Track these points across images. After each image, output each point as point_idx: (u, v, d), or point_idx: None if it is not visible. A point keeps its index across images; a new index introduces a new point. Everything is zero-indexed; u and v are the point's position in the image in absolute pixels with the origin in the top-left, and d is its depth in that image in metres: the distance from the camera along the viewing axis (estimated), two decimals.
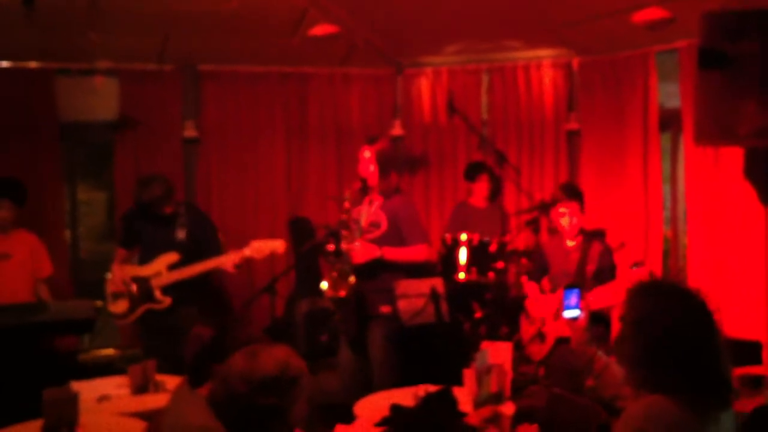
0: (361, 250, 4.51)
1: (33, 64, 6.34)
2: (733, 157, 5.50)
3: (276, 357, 2.44)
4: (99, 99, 6.62)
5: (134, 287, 5.19)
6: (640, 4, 4.80)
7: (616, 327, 4.96)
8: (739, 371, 3.94)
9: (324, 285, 4.55)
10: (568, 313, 3.35)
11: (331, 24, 5.16)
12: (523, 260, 5.94)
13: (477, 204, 6.30)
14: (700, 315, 2.29)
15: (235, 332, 3.14)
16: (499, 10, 5.44)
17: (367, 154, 4.69)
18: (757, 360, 5.03)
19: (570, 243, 5.14)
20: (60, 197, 6.57)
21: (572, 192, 5.18)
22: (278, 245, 5.18)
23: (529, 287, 5.26)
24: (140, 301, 5.19)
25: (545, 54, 6.75)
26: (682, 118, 5.99)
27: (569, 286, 3.42)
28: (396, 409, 3.19)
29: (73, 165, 6.92)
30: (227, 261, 5.12)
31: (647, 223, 6.28)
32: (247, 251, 5.12)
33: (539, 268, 5.30)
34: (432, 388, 3.44)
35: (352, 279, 4.44)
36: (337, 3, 5.08)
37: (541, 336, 4.88)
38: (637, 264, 4.67)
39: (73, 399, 3.31)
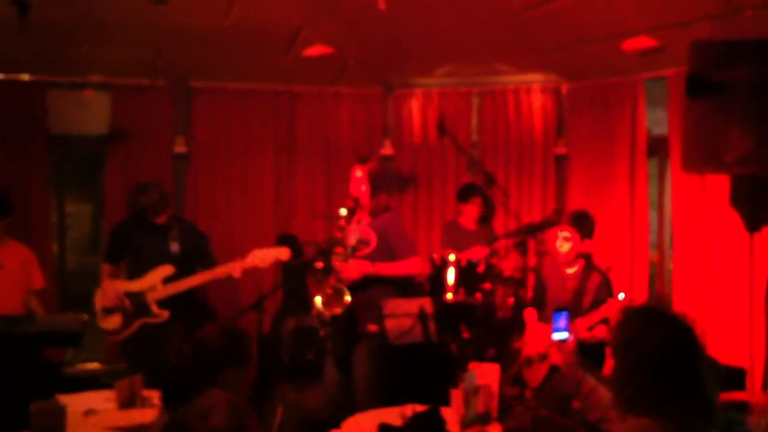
0: (354, 268, 4.52)
1: (25, 77, 6.35)
2: (720, 183, 5.56)
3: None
4: (90, 112, 6.64)
5: (127, 302, 5.16)
6: (630, 32, 4.87)
7: (609, 364, 4.93)
8: (723, 397, 3.97)
9: (318, 301, 4.53)
10: (557, 336, 3.37)
11: (325, 44, 5.20)
12: (510, 284, 5.95)
13: (467, 225, 6.33)
14: (687, 338, 2.31)
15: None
16: (490, 35, 5.50)
17: (358, 173, 4.71)
18: (740, 386, 5.07)
19: (569, 271, 5.05)
20: (48, 209, 6.56)
21: (573, 219, 5.05)
22: (282, 252, 5.13)
23: (528, 314, 5.24)
24: (135, 316, 5.14)
25: (535, 79, 6.83)
26: (669, 145, 6.06)
27: (558, 309, 3.44)
28: (384, 428, 3.20)
29: (61, 177, 6.91)
30: (233, 269, 5.07)
31: (633, 247, 6.33)
32: (250, 260, 5.06)
33: (538, 297, 5.27)
34: (419, 408, 3.45)
35: (347, 298, 4.43)
36: (331, 23, 5.12)
37: (531, 364, 4.84)
38: (608, 269, 4.68)
39: (61, 412, 3.30)
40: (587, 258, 5.09)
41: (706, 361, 2.28)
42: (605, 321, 4.72)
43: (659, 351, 2.26)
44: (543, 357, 4.76)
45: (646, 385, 2.26)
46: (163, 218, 5.21)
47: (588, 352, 4.61)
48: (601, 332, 4.75)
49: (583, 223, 5.03)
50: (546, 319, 5.02)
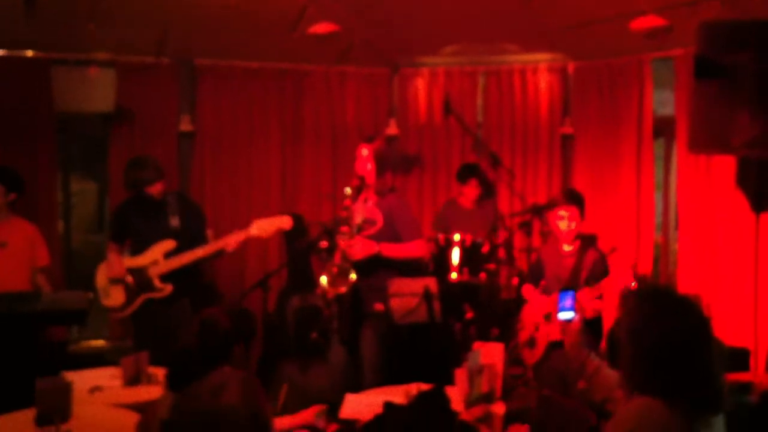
0: (359, 247, 4.52)
1: (29, 53, 6.32)
2: (725, 165, 5.56)
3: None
4: (95, 90, 6.61)
5: (130, 278, 5.16)
6: (638, 12, 4.83)
7: (606, 332, 5.00)
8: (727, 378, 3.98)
9: (323, 280, 4.53)
10: (563, 315, 3.38)
11: (330, 22, 5.16)
12: (515, 264, 5.97)
13: (465, 204, 6.33)
14: (695, 321, 2.32)
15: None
16: (497, 14, 5.46)
17: (364, 152, 4.70)
18: (744, 367, 5.08)
19: (566, 248, 5.12)
20: (54, 188, 6.55)
21: (574, 197, 5.16)
22: (284, 221, 5.11)
23: (527, 290, 5.28)
24: (138, 292, 5.14)
25: (541, 58, 6.80)
26: (676, 126, 6.03)
27: (564, 289, 3.45)
28: (389, 406, 3.21)
29: (67, 155, 6.89)
30: (231, 241, 5.07)
31: (638, 228, 6.33)
32: (253, 230, 5.04)
33: (535, 275, 5.30)
34: (424, 387, 3.46)
35: (353, 276, 4.43)
36: (336, 2, 5.09)
37: (531, 342, 4.89)
38: (612, 250, 4.71)
39: (67, 389, 3.31)
40: (584, 236, 5.15)
41: (714, 344, 2.29)
42: (600, 297, 4.81)
43: (668, 335, 2.26)
44: (532, 342, 4.80)
45: (654, 367, 2.27)
46: (158, 188, 5.18)
47: (587, 325, 4.69)
48: (600, 306, 4.83)
49: (580, 201, 5.13)
50: (545, 294, 5.08)
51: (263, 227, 5.05)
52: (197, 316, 3.08)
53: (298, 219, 6.57)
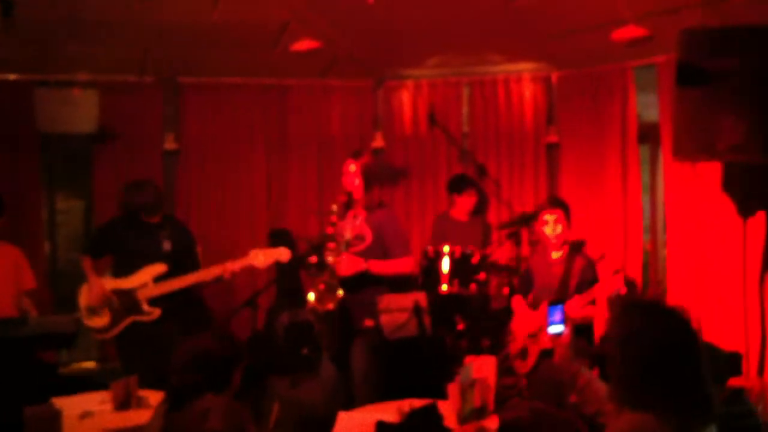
0: (347, 263, 4.51)
1: (12, 76, 6.30)
2: (712, 169, 5.57)
3: None
4: (78, 111, 6.58)
5: (116, 300, 5.13)
6: (620, 21, 4.85)
7: (597, 338, 5.01)
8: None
9: (311, 297, 4.52)
10: (553, 329, 3.38)
11: (313, 38, 5.17)
12: (505, 274, 5.96)
13: (458, 217, 6.31)
14: (685, 333, 2.32)
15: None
16: (480, 24, 5.47)
17: (352, 167, 4.69)
18: (737, 371, 5.08)
19: (555, 255, 5.15)
20: (38, 209, 6.52)
21: (557, 201, 5.23)
22: (282, 253, 5.11)
23: (516, 302, 5.28)
24: (124, 314, 5.11)
25: (525, 68, 6.81)
26: (660, 132, 6.05)
27: (553, 303, 3.45)
28: (381, 426, 3.19)
29: (51, 175, 6.86)
30: (227, 269, 5.05)
31: (626, 235, 6.34)
32: (249, 260, 5.04)
33: (525, 284, 5.32)
34: (417, 403, 3.45)
35: (340, 293, 4.43)
36: (319, 16, 5.09)
37: (523, 353, 4.90)
38: (617, 271, 4.74)
39: (56, 416, 3.29)
40: (572, 243, 5.18)
41: (703, 355, 2.29)
42: (593, 302, 4.86)
43: (658, 346, 2.26)
44: (533, 336, 4.80)
45: (644, 381, 2.27)
46: (157, 218, 5.18)
47: (578, 331, 4.70)
48: (589, 311, 4.90)
49: (565, 206, 5.19)
50: (534, 305, 5.09)
51: (261, 258, 5.05)
52: (186, 343, 3.06)
53: (285, 235, 6.57)
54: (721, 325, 5.55)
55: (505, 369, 5.09)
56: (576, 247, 5.17)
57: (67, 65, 6.24)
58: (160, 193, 5.25)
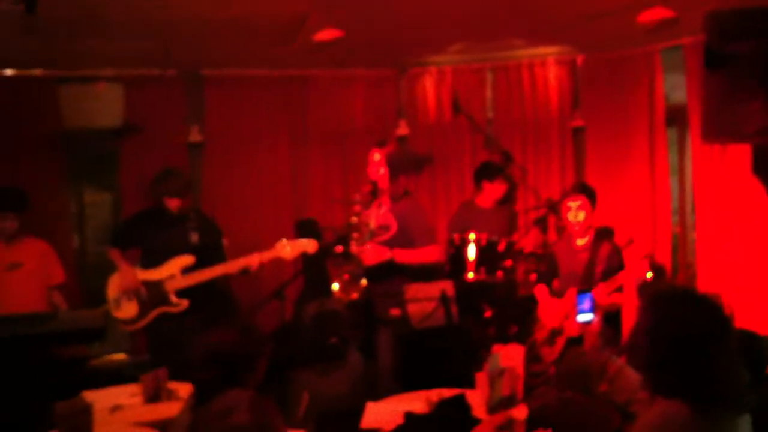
0: (371, 253, 4.50)
1: (36, 72, 6.34)
2: (741, 152, 5.50)
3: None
4: (103, 105, 6.63)
5: (144, 291, 5.16)
6: (643, 4, 4.78)
7: (626, 327, 4.96)
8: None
9: (335, 287, 4.53)
10: (582, 317, 3.35)
11: (334, 28, 5.14)
12: (532, 260, 5.91)
13: (483, 204, 6.24)
14: (715, 321, 2.29)
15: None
16: (502, 9, 5.42)
17: (376, 157, 4.68)
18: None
19: (580, 242, 5.11)
20: (65, 203, 6.58)
21: (582, 187, 5.19)
22: (310, 245, 5.12)
23: (539, 291, 5.25)
24: (152, 306, 5.15)
25: (549, 51, 6.74)
26: (688, 114, 5.98)
27: (582, 291, 3.41)
28: (410, 416, 3.19)
29: (78, 169, 6.91)
30: (255, 261, 5.07)
31: (655, 219, 6.28)
32: (277, 251, 5.06)
33: (550, 271, 5.28)
34: (446, 393, 3.44)
35: (363, 282, 4.42)
36: (339, 6, 5.07)
37: (550, 340, 4.87)
38: (646, 256, 4.69)
39: (86, 410, 3.31)
40: (598, 229, 5.14)
41: (735, 344, 2.26)
42: (619, 288, 4.81)
43: (689, 336, 2.24)
44: (558, 332, 4.77)
45: (675, 370, 2.25)
46: (181, 202, 5.19)
47: (606, 319, 4.67)
48: (617, 299, 4.84)
49: (590, 191, 5.14)
50: (559, 293, 5.06)
51: (288, 249, 5.06)
52: (206, 337, 3.06)
53: (311, 224, 6.57)
54: (751, 308, 5.49)
55: (532, 357, 5.06)
56: (602, 234, 5.11)
57: (90, 61, 6.27)
58: (188, 180, 5.28)
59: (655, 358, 2.31)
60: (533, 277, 5.88)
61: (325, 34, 5.13)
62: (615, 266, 4.89)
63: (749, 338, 3.29)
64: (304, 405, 5.17)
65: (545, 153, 6.86)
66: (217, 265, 5.12)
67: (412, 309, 4.32)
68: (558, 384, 4.57)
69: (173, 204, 5.19)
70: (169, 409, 3.78)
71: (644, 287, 4.75)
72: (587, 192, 5.13)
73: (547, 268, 5.37)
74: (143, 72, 6.55)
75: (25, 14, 4.42)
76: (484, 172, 6.19)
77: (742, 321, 5.26)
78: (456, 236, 5.71)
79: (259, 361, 2.99)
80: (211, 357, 2.94)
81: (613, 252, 5.00)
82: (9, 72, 6.31)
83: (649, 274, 4.59)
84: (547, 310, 5.03)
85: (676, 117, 6.32)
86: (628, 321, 4.97)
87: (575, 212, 5.07)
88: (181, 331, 5.08)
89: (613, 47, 6.40)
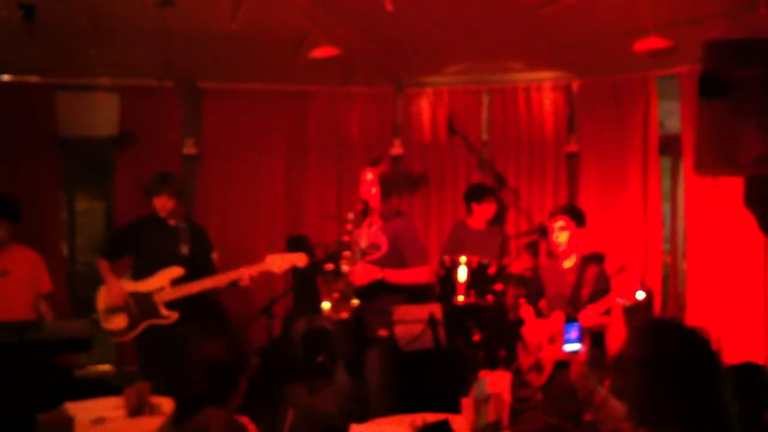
0: (362, 272, 4.48)
1: (34, 79, 6.34)
2: (734, 182, 5.50)
3: None
4: (99, 114, 6.63)
5: (133, 303, 5.14)
6: (642, 30, 4.80)
7: (612, 349, 4.96)
8: None
9: (326, 305, 4.50)
10: (569, 347, 3.34)
11: (333, 46, 5.15)
12: (520, 284, 5.92)
13: (475, 226, 6.26)
14: (703, 354, 2.28)
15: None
16: (501, 32, 5.45)
17: (369, 176, 4.66)
18: None
19: (566, 264, 5.12)
20: (57, 212, 6.57)
21: (563, 209, 5.21)
22: (299, 258, 5.09)
23: (525, 311, 5.25)
24: (141, 317, 5.12)
25: (545, 76, 6.77)
26: (682, 144, 6.00)
27: (570, 320, 3.40)
28: None
29: (72, 177, 6.90)
30: (244, 274, 5.05)
31: (646, 247, 6.28)
32: (266, 265, 5.03)
33: (536, 291, 5.29)
34: (430, 418, 3.42)
35: (354, 301, 4.40)
36: (339, 24, 5.08)
37: (539, 367, 4.86)
38: (621, 268, 4.69)
39: (68, 423, 3.29)
40: (589, 255, 5.17)
41: (724, 376, 2.25)
42: (608, 312, 4.85)
43: (676, 368, 2.22)
44: (540, 367, 4.77)
45: (662, 401, 2.23)
46: (171, 205, 5.18)
47: (594, 341, 4.67)
48: (605, 320, 4.88)
49: (574, 212, 5.15)
50: (546, 314, 5.08)
51: (278, 263, 5.04)
52: (198, 351, 3.05)
53: (303, 241, 6.56)
54: (741, 340, 5.48)
55: (520, 381, 5.05)
56: (589, 257, 5.12)
57: (88, 69, 6.28)
58: (180, 184, 5.26)
59: (640, 389, 2.30)
60: (523, 301, 5.88)
61: (323, 52, 5.13)
62: (602, 289, 4.89)
63: (757, 373, 3.28)
64: (289, 422, 5.14)
65: (539, 177, 6.87)
66: (206, 278, 5.10)
67: (400, 330, 4.30)
68: (545, 408, 4.57)
69: (161, 204, 5.16)
70: (151, 424, 3.76)
71: (632, 311, 4.75)
72: (571, 213, 5.13)
73: (533, 289, 5.37)
74: (141, 82, 6.55)
75: (24, 22, 4.44)
76: (472, 195, 6.24)
77: (731, 353, 5.26)
78: (447, 258, 5.72)
79: (241, 377, 2.96)
80: (197, 368, 2.91)
81: (601, 275, 5.01)
82: (6, 77, 6.32)
83: (641, 294, 4.57)
84: (532, 331, 5.03)
85: (669, 145, 6.34)
86: (615, 344, 4.97)
87: (558, 233, 5.08)
88: (171, 343, 5.06)
89: (609, 73, 6.43)
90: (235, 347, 3.02)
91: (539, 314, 5.15)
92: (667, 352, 2.27)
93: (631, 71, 6.28)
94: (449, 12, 5.02)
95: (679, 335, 2.32)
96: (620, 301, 4.59)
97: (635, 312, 5.38)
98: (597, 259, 5.24)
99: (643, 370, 2.29)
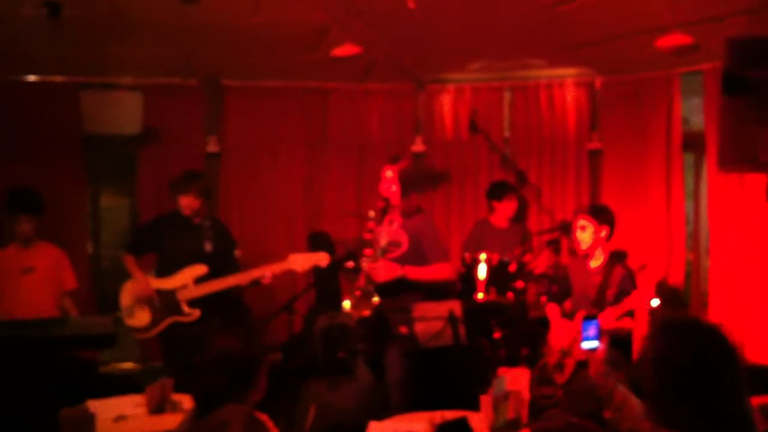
0: (383, 269, 4.48)
1: (58, 78, 6.41)
2: (757, 179, 5.46)
3: None
4: (123, 112, 6.69)
5: (157, 299, 5.17)
6: (664, 28, 4.77)
7: (636, 350, 4.93)
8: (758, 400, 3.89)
9: (347, 304, 4.53)
10: (587, 345, 3.33)
11: (354, 43, 5.16)
12: (544, 281, 5.89)
13: (497, 224, 6.25)
14: (722, 352, 2.27)
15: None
16: (522, 30, 5.42)
17: (389, 173, 4.67)
18: None
19: (593, 264, 5.09)
20: (82, 210, 6.64)
21: (587, 208, 5.18)
22: (321, 258, 5.13)
23: (551, 310, 5.22)
24: (165, 314, 5.15)
25: (568, 73, 6.72)
26: (705, 141, 5.94)
27: (588, 318, 3.39)
28: None
29: (96, 175, 6.97)
30: (267, 272, 5.09)
31: (669, 245, 6.23)
32: (289, 264, 5.07)
33: (562, 290, 5.27)
34: (448, 415, 3.43)
35: (375, 299, 4.41)
36: (360, 21, 5.08)
37: (560, 366, 4.84)
38: (642, 266, 4.64)
39: (90, 419, 3.33)
40: (612, 253, 5.10)
41: (743, 374, 2.23)
42: (630, 313, 4.82)
43: (695, 367, 2.21)
44: (567, 353, 4.74)
45: (681, 400, 2.22)
46: (195, 203, 5.21)
47: (616, 343, 4.63)
48: (628, 323, 4.86)
49: (598, 212, 5.13)
50: (570, 314, 5.06)
51: (300, 262, 5.07)
52: (212, 343, 3.04)
53: (324, 237, 6.58)
54: (763, 340, 5.43)
55: (543, 379, 5.03)
56: (615, 257, 5.08)
57: (112, 67, 6.33)
58: (207, 184, 5.29)
59: (659, 388, 2.29)
60: (544, 299, 5.86)
61: (344, 50, 5.14)
62: (627, 290, 4.86)
63: None
64: (311, 418, 5.16)
65: (561, 174, 6.82)
66: (229, 276, 5.13)
67: (419, 328, 4.31)
68: (565, 407, 4.55)
69: (187, 203, 5.19)
70: (172, 421, 3.77)
71: (655, 312, 4.72)
72: (594, 213, 5.10)
73: (560, 287, 5.35)
74: (164, 80, 6.60)
75: (49, 19, 4.49)
76: (493, 192, 6.23)
77: (754, 351, 5.22)
78: (467, 255, 5.71)
79: (260, 372, 2.94)
80: (214, 360, 2.91)
81: (626, 276, 4.98)
82: (32, 78, 6.39)
83: (656, 301, 4.55)
84: (557, 331, 5.01)
85: (693, 142, 6.29)
86: (638, 347, 4.94)
87: (579, 233, 5.06)
88: (193, 340, 5.07)
89: (633, 70, 6.38)
90: (253, 342, 3.01)
91: (564, 314, 5.12)
92: (684, 351, 2.26)
93: (654, 69, 6.23)
94: (468, 9, 5.01)
95: (697, 334, 2.30)
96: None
97: (659, 314, 5.35)
98: (620, 257, 5.20)
99: (661, 369, 2.29)
